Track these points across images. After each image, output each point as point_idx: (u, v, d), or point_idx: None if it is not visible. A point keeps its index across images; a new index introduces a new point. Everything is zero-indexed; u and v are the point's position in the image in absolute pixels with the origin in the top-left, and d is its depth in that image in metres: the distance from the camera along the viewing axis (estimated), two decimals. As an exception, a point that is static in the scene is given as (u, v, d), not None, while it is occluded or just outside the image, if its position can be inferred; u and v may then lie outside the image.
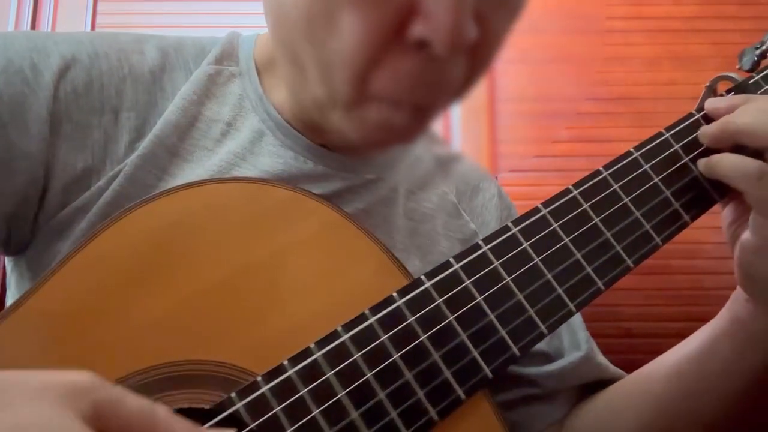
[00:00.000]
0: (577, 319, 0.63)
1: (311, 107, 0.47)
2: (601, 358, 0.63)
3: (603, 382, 0.62)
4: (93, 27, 1.42)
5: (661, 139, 0.50)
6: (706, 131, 0.51)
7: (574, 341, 0.62)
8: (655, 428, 0.55)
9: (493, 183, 0.68)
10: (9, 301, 0.55)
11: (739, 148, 0.48)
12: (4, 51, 0.47)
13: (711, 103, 0.52)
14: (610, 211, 0.46)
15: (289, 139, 0.53)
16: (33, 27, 1.46)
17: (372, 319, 0.41)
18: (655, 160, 0.49)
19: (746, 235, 0.49)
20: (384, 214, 0.56)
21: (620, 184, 0.47)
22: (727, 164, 0.48)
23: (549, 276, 0.44)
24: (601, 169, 0.48)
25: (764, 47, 0.54)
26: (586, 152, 1.50)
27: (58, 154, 0.47)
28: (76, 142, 0.48)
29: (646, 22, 1.60)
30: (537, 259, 0.44)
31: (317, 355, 0.39)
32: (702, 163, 0.50)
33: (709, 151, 0.50)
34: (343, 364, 0.39)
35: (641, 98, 1.53)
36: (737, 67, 0.55)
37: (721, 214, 0.53)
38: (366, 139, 0.45)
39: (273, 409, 0.38)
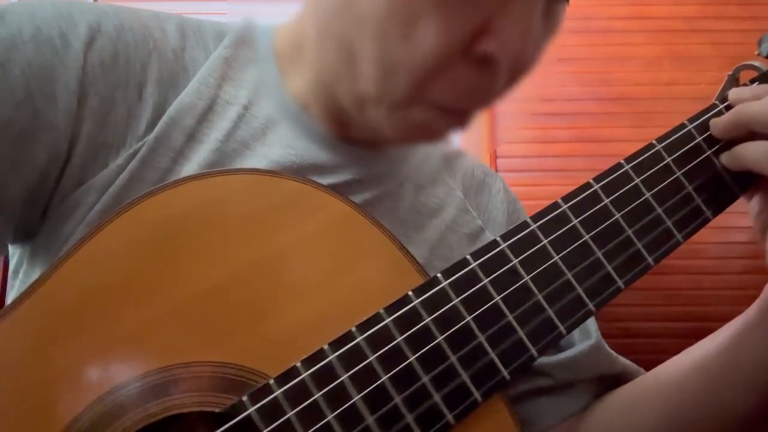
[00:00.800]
0: None
1: (346, 99, 0.48)
2: (611, 351, 0.62)
3: (618, 380, 0.60)
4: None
5: (684, 131, 0.49)
6: (717, 122, 0.49)
7: (584, 331, 0.61)
8: (679, 418, 0.53)
9: (498, 178, 0.68)
10: (12, 291, 0.54)
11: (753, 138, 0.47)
12: (32, 18, 0.45)
13: (735, 94, 0.50)
14: (631, 206, 0.45)
15: (303, 129, 0.52)
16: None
17: (387, 320, 0.40)
18: (678, 153, 0.48)
19: None
20: (390, 207, 0.56)
21: (642, 177, 0.46)
22: (753, 151, 0.46)
23: (569, 275, 0.43)
24: (622, 162, 0.46)
25: (785, 33, 0.53)
26: (586, 152, 1.50)
27: (83, 128, 0.46)
28: (101, 117, 0.46)
29: (646, 22, 1.60)
30: (556, 257, 0.43)
31: (331, 357, 0.38)
32: (725, 156, 0.49)
33: (731, 144, 0.49)
34: (358, 367, 0.38)
35: (641, 98, 1.54)
36: (756, 53, 0.54)
37: (748, 205, 0.52)
38: (400, 137, 0.48)
39: (286, 414, 0.37)
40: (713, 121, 0.50)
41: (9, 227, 0.48)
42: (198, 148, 0.48)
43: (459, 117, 0.46)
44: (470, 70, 0.42)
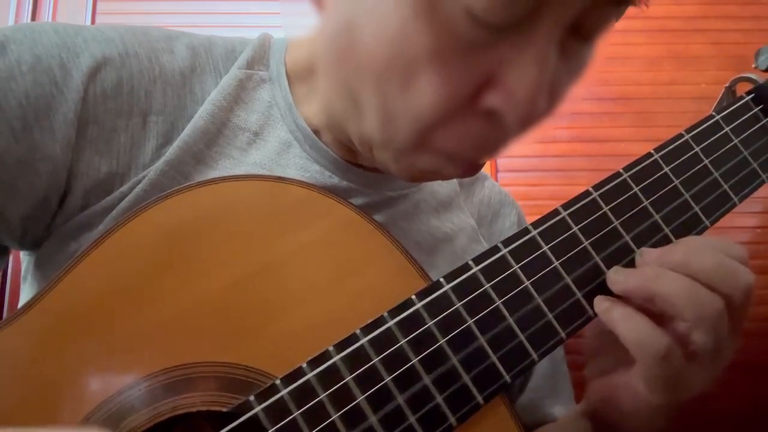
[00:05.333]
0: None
1: (354, 138, 0.46)
2: (554, 408, 0.63)
3: None
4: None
5: (681, 140, 0.49)
6: (617, 279, 0.43)
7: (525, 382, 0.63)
8: None
9: (514, 210, 0.68)
10: (22, 295, 0.55)
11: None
12: (32, 47, 0.45)
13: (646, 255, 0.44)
14: (629, 214, 0.46)
15: (316, 152, 0.52)
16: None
17: (391, 323, 0.40)
18: (676, 163, 0.48)
19: (623, 397, 0.44)
20: (404, 229, 0.56)
21: (640, 186, 0.47)
22: (634, 332, 0.41)
23: (568, 279, 0.44)
24: (621, 171, 0.47)
25: (783, 45, 0.53)
26: (586, 152, 1.50)
27: (82, 158, 0.46)
28: (102, 145, 0.46)
29: (646, 22, 1.60)
30: (556, 263, 0.44)
31: (336, 358, 0.39)
32: (603, 308, 0.43)
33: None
34: (362, 368, 0.39)
35: (641, 98, 1.53)
36: (753, 66, 0.54)
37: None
38: (408, 179, 0.46)
39: (292, 413, 0.37)
40: (614, 277, 0.44)
41: (11, 240, 0.48)
42: (207, 173, 0.48)
43: (468, 164, 0.44)
44: (476, 122, 0.40)
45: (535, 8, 0.35)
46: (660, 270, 0.42)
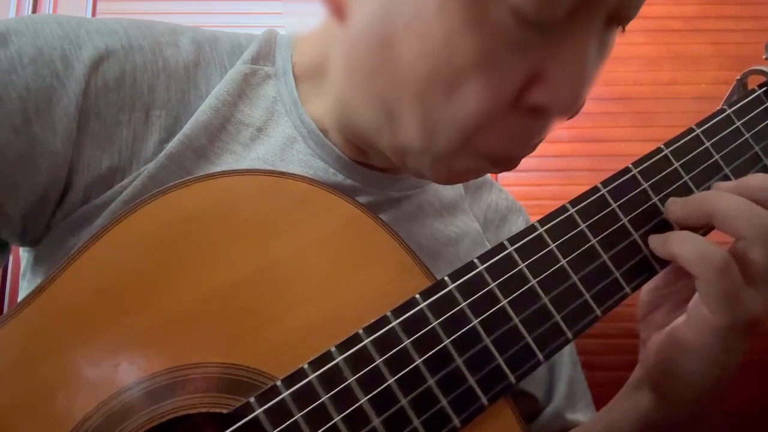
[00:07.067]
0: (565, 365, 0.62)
1: (386, 148, 0.46)
2: (575, 415, 0.62)
3: None
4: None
5: (692, 135, 0.48)
6: (675, 207, 0.45)
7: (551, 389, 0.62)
8: None
9: (521, 216, 0.68)
10: (21, 291, 0.54)
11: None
12: (34, 38, 0.44)
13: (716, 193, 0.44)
14: (638, 211, 0.45)
15: (321, 149, 0.51)
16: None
17: (394, 323, 0.40)
18: (686, 158, 0.48)
19: (682, 328, 0.44)
20: (407, 230, 0.55)
21: (650, 183, 0.46)
22: (693, 249, 0.42)
23: (575, 279, 0.43)
24: (630, 166, 0.46)
25: (793, 37, 0.53)
26: (586, 152, 1.50)
27: (84, 152, 0.45)
28: (103, 140, 0.46)
29: (646, 22, 1.59)
30: (563, 261, 0.43)
31: (338, 359, 0.38)
32: (654, 240, 0.44)
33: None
34: (365, 370, 0.38)
35: (642, 98, 1.53)
36: (764, 57, 0.53)
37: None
38: (445, 181, 0.47)
39: (293, 415, 0.37)
40: (671, 205, 0.45)
41: (12, 236, 0.48)
42: (209, 169, 0.48)
43: (507, 162, 0.45)
44: (519, 120, 0.40)
45: (581, 2, 0.36)
46: (717, 192, 0.44)
